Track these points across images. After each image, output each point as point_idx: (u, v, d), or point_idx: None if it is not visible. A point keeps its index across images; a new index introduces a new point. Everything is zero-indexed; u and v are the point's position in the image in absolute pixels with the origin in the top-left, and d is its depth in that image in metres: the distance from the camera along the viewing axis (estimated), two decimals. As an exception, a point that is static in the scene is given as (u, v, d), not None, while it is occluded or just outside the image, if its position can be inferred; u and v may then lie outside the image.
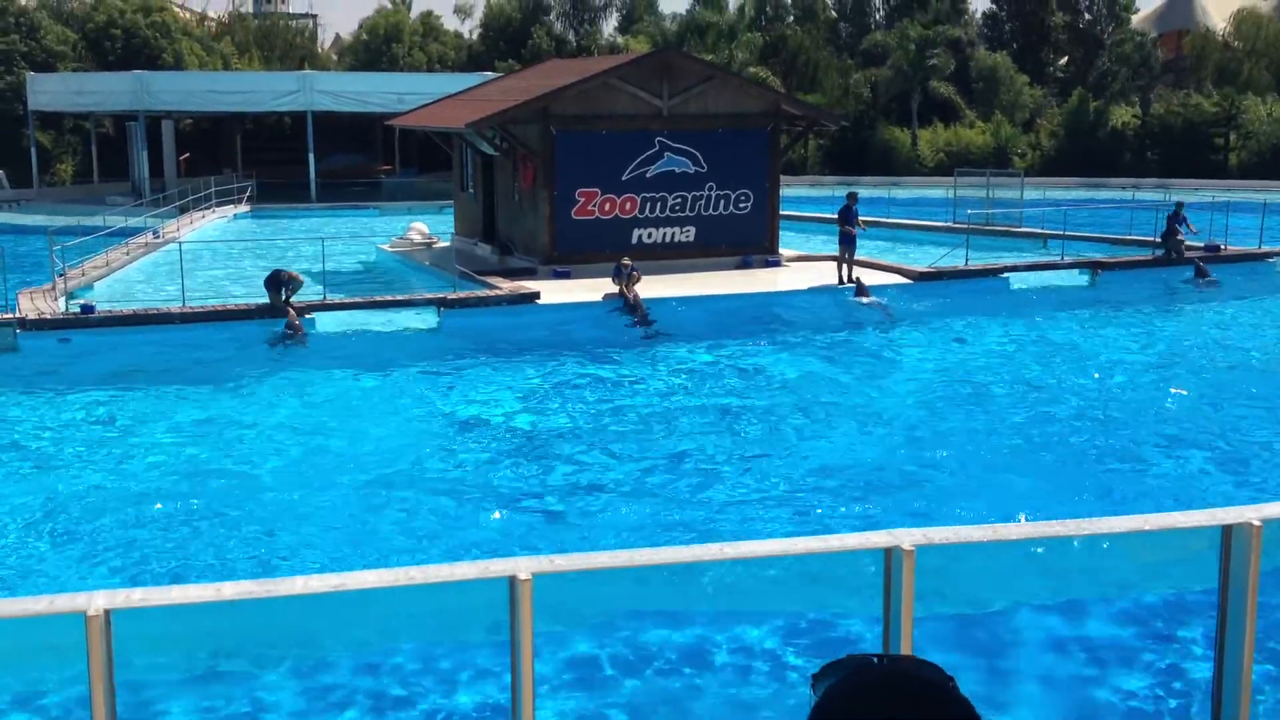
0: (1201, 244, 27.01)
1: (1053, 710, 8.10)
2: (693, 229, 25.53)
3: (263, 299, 20.34)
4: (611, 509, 11.84)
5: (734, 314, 21.57)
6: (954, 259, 25.38)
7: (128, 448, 14.01)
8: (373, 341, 19.84)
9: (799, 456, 13.59)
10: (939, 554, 4.67)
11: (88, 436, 14.63)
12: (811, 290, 23.40)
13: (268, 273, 20.83)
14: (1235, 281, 25.63)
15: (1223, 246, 27.33)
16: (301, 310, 20.12)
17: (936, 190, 42.64)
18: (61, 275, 22.26)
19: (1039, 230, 30.81)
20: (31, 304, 20.43)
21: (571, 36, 60.73)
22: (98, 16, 51.81)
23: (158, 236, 31.40)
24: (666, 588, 7.11)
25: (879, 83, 56.85)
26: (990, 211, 34.80)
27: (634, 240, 24.75)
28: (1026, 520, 10.04)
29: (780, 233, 26.79)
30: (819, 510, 11.75)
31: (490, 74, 43.68)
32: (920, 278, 24.23)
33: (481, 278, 23.29)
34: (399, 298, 21.74)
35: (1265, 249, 27.80)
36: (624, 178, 24.80)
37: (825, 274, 24.11)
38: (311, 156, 43.52)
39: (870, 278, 23.63)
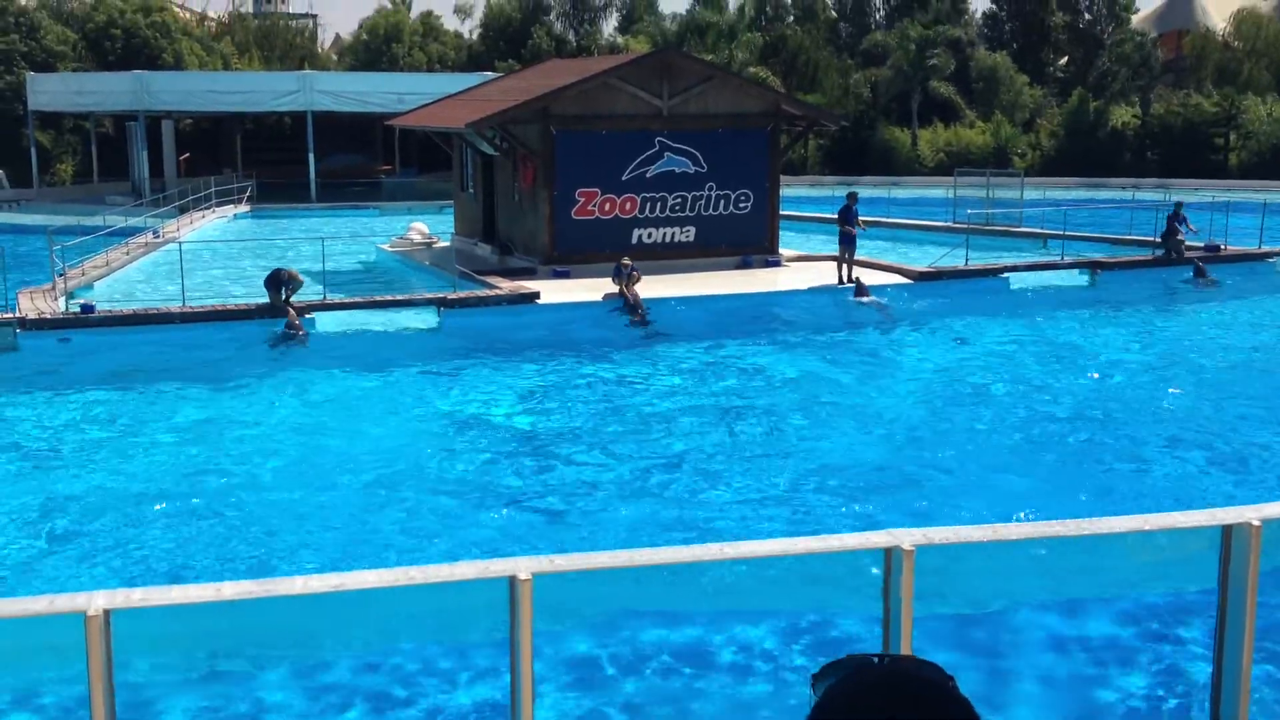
0: (1201, 244, 27.02)
1: (1052, 710, 8.10)
2: (693, 229, 25.53)
3: (263, 299, 20.33)
4: (611, 509, 11.84)
5: (734, 314, 21.57)
6: (954, 259, 25.39)
7: (127, 447, 14.01)
8: (373, 341, 19.85)
9: (799, 456, 13.59)
10: (939, 554, 4.68)
11: (87, 436, 14.63)
12: (811, 290, 23.41)
13: (268, 272, 20.83)
14: (1235, 281, 25.64)
15: (1222, 246, 27.34)
16: (301, 310, 20.12)
17: (936, 190, 42.65)
18: (61, 275, 22.26)
19: (1039, 230, 30.81)
20: (31, 304, 20.43)
21: (571, 36, 60.73)
22: (98, 16, 51.81)
23: (158, 236, 31.39)
24: (666, 587, 7.11)
25: (879, 83, 56.85)
26: (990, 211, 34.82)
27: (634, 240, 24.76)
28: (1026, 520, 10.04)
29: (780, 233, 26.80)
30: (819, 510, 11.75)
31: (490, 74, 43.68)
32: (920, 278, 24.24)
33: (481, 278, 23.29)
34: (399, 298, 21.74)
35: (1265, 249, 27.81)
36: (624, 178, 24.81)
37: (825, 274, 24.11)
38: (311, 156, 43.52)
39: (870, 277, 23.63)
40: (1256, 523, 4.62)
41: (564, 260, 24.46)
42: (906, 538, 4.40)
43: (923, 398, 16.34)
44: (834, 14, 64.76)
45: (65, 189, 47.30)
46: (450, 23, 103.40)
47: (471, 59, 57.63)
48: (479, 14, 62.55)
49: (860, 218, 23.65)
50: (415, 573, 4.36)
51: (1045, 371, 17.93)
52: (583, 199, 24.68)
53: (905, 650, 4.30)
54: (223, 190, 40.97)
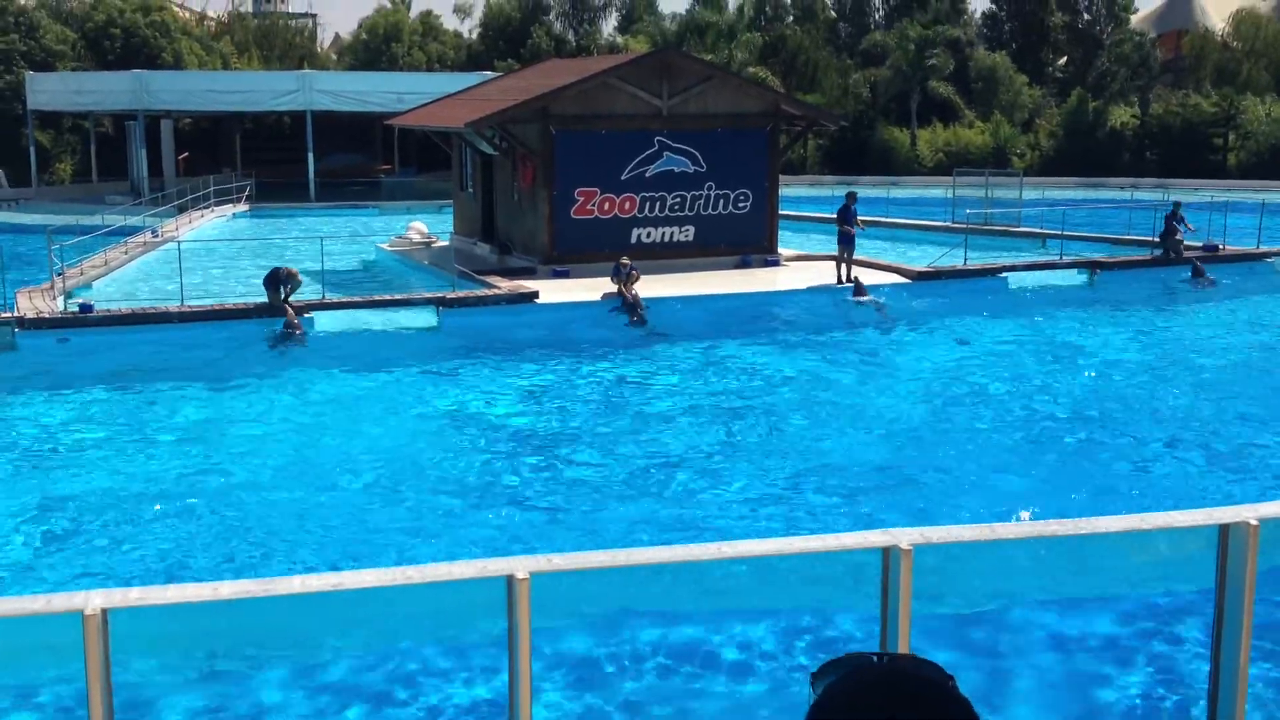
0: (1200, 244, 27.03)
1: (1051, 709, 8.10)
2: (692, 228, 25.53)
3: (261, 298, 20.33)
4: (610, 508, 11.84)
5: (733, 313, 21.57)
6: (953, 259, 25.39)
7: (126, 447, 14.01)
8: (372, 341, 19.84)
9: (797, 456, 13.60)
10: (937, 553, 4.68)
11: (86, 436, 14.63)
12: (810, 290, 23.41)
13: (266, 271, 20.82)
14: (1233, 281, 25.65)
15: (1221, 246, 27.35)
16: (300, 309, 20.11)
17: (935, 190, 42.66)
18: (60, 274, 22.25)
19: (1038, 230, 30.82)
20: (30, 303, 20.42)
21: (571, 36, 60.72)
22: (97, 16, 51.79)
23: (156, 236, 31.37)
24: (665, 587, 7.11)
25: (878, 83, 56.85)
26: (989, 211, 34.83)
27: (633, 240, 24.75)
28: (1024, 519, 10.04)
29: (779, 232, 26.80)
30: (817, 509, 11.75)
31: (490, 74, 43.66)
32: (919, 277, 24.24)
33: (481, 277, 23.28)
34: (398, 297, 21.73)
35: (1263, 249, 27.82)
36: (623, 177, 24.80)
37: (824, 273, 24.12)
38: (311, 156, 43.49)
39: (869, 277, 23.63)
40: (1254, 522, 4.62)
41: (563, 260, 24.46)
42: (904, 537, 4.40)
43: (921, 397, 16.34)
44: (833, 14, 64.76)
45: (64, 188, 47.28)
46: (450, 22, 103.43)
47: (471, 59, 57.62)
48: (478, 14, 62.64)
49: (859, 217, 23.65)
50: (413, 572, 4.36)
51: (1044, 371, 17.93)
52: (582, 198, 24.68)
53: (903, 649, 4.30)
54: (222, 190, 40.95)
